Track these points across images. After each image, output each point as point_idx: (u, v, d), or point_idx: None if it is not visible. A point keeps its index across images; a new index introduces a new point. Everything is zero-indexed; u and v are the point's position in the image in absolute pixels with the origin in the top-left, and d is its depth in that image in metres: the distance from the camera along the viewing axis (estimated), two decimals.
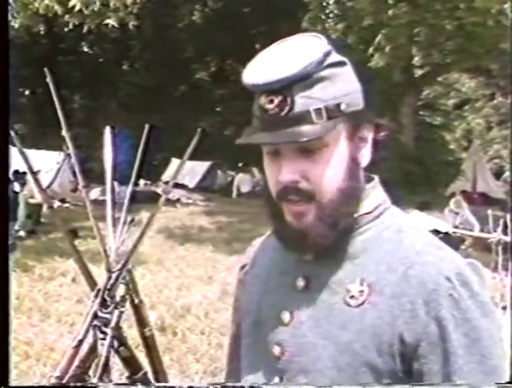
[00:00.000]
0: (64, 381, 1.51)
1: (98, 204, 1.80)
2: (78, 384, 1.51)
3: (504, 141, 23.88)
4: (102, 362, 1.49)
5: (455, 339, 0.96)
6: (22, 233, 9.77)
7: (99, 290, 1.59)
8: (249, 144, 1.02)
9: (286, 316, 1.07)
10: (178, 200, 15.06)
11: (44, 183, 10.85)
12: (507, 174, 19.37)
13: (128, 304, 1.67)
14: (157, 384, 1.76)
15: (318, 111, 0.98)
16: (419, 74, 20.53)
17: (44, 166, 11.49)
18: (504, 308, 3.88)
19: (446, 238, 7.29)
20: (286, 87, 0.97)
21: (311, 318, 1.04)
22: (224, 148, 17.68)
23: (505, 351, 1.02)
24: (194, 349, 4.91)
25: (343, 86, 1.00)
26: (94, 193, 8.46)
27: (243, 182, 18.79)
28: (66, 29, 13.16)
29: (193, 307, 6.02)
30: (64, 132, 1.75)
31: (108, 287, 1.60)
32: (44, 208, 8.79)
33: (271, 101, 0.98)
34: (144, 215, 1.80)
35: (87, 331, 1.54)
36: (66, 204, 13.01)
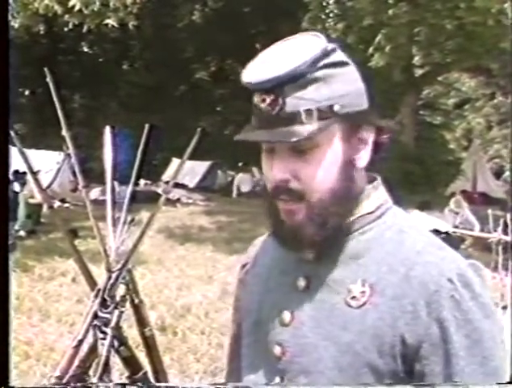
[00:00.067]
0: (64, 381, 1.51)
1: (98, 203, 1.80)
2: (78, 384, 1.51)
3: (504, 141, 23.90)
4: (102, 362, 1.48)
5: (457, 340, 0.96)
6: (22, 233, 9.77)
7: (99, 290, 1.59)
8: (245, 141, 1.02)
9: (287, 316, 1.06)
10: (178, 200, 15.06)
11: (44, 183, 10.86)
12: (507, 173, 19.39)
13: (128, 304, 1.66)
14: (158, 384, 1.76)
15: (309, 112, 0.97)
16: (419, 74, 20.53)
17: (44, 166, 11.49)
18: (504, 308, 3.87)
19: (446, 237, 7.29)
20: (277, 87, 0.97)
21: (312, 318, 1.04)
22: (224, 148, 17.70)
23: (507, 352, 1.02)
24: (194, 349, 4.91)
25: (341, 87, 1.00)
26: (94, 193, 8.46)
27: (243, 182, 18.79)
28: (66, 29, 13.14)
29: (193, 307, 6.02)
30: (64, 132, 1.75)
31: (108, 287, 1.59)
32: (44, 208, 8.79)
33: (264, 100, 0.99)
34: (144, 215, 1.80)
35: (87, 331, 1.54)
36: (66, 204, 13.00)
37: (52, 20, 14.35)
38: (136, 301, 1.74)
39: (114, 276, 1.62)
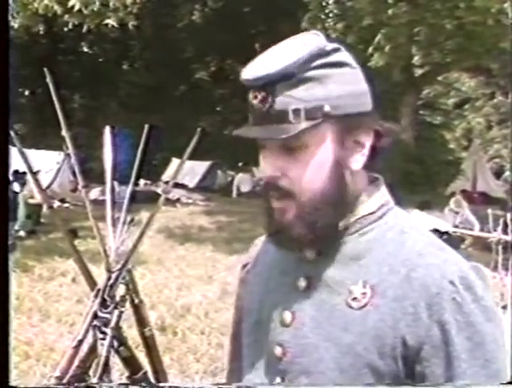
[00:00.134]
0: (64, 381, 1.51)
1: (98, 204, 1.80)
2: (80, 384, 1.51)
3: (504, 141, 23.91)
4: (102, 362, 1.48)
5: (458, 343, 0.95)
6: (22, 233, 9.77)
7: (99, 290, 1.59)
8: (242, 138, 1.03)
9: (287, 316, 1.06)
10: (178, 200, 15.06)
11: (44, 183, 10.86)
12: (507, 173, 19.41)
13: (128, 304, 1.66)
14: (159, 384, 1.76)
15: (297, 111, 0.97)
16: (419, 74, 20.53)
17: (44, 166, 11.49)
18: (504, 307, 3.87)
19: (446, 237, 7.30)
20: (269, 84, 0.98)
21: (313, 319, 1.03)
22: (223, 148, 17.72)
23: (507, 352, 1.01)
24: (194, 349, 4.90)
25: (336, 88, 0.99)
26: (94, 193, 8.47)
27: (243, 182, 18.77)
28: (66, 29, 13.12)
29: (193, 307, 6.02)
30: (64, 132, 1.75)
31: (108, 287, 1.59)
32: (44, 208, 8.79)
33: (255, 97, 1.00)
34: (144, 215, 1.80)
35: (87, 331, 1.54)
36: (66, 204, 13.00)
37: (51, 20, 14.33)
38: (136, 301, 1.74)
39: (114, 276, 1.62)
